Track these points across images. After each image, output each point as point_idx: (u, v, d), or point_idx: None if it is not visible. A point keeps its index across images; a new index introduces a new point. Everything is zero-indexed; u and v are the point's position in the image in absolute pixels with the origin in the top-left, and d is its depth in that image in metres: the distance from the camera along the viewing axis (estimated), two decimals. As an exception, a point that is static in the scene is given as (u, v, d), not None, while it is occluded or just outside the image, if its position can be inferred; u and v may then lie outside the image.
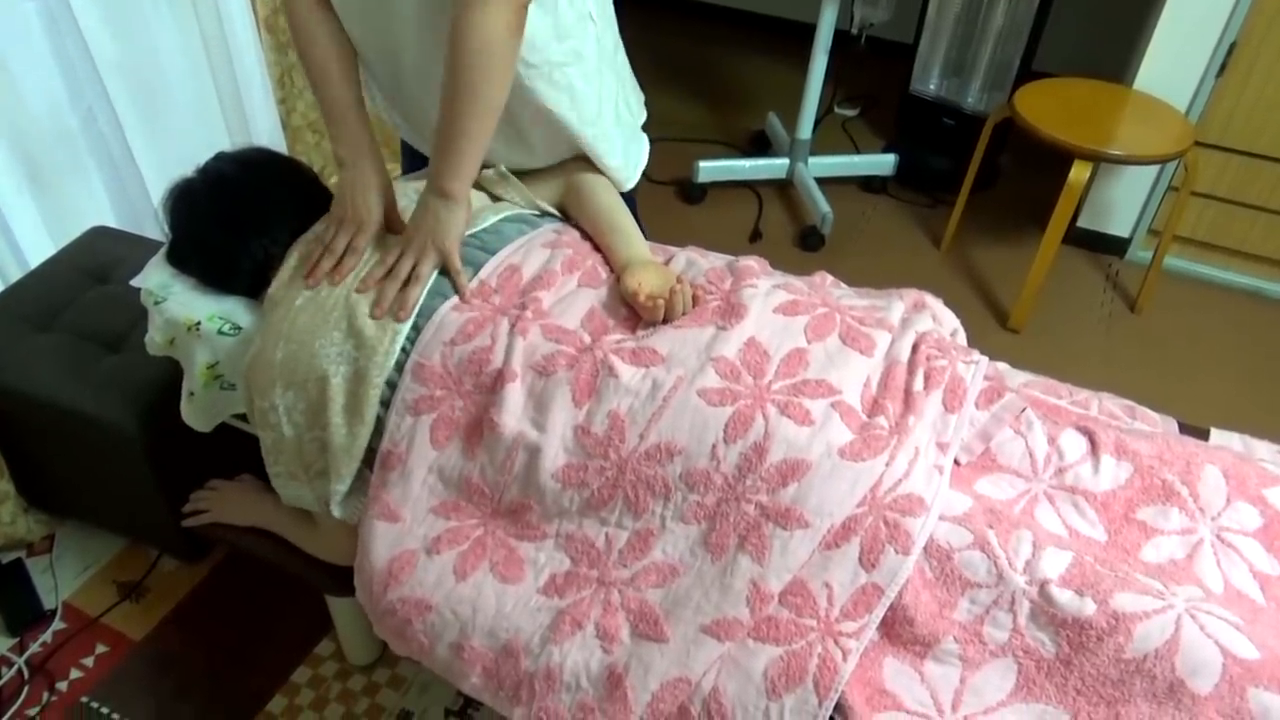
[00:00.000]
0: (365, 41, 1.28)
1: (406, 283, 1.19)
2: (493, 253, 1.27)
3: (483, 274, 1.24)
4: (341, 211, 1.25)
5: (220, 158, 1.32)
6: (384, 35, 1.26)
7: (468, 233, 1.28)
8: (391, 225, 1.28)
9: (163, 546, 1.77)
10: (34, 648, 1.62)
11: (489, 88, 1.13)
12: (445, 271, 1.23)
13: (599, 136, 1.35)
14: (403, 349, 1.18)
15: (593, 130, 1.33)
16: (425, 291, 1.20)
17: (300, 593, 1.67)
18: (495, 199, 1.40)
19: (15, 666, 1.59)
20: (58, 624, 1.67)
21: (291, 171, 1.36)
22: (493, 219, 1.32)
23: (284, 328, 1.19)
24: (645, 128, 1.53)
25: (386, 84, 1.37)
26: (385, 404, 1.18)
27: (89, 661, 1.61)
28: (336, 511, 1.21)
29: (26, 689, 1.56)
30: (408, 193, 1.35)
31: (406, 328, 1.18)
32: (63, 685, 1.58)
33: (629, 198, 1.43)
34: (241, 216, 1.27)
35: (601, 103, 1.34)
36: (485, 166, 1.40)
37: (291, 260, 1.25)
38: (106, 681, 1.58)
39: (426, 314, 1.19)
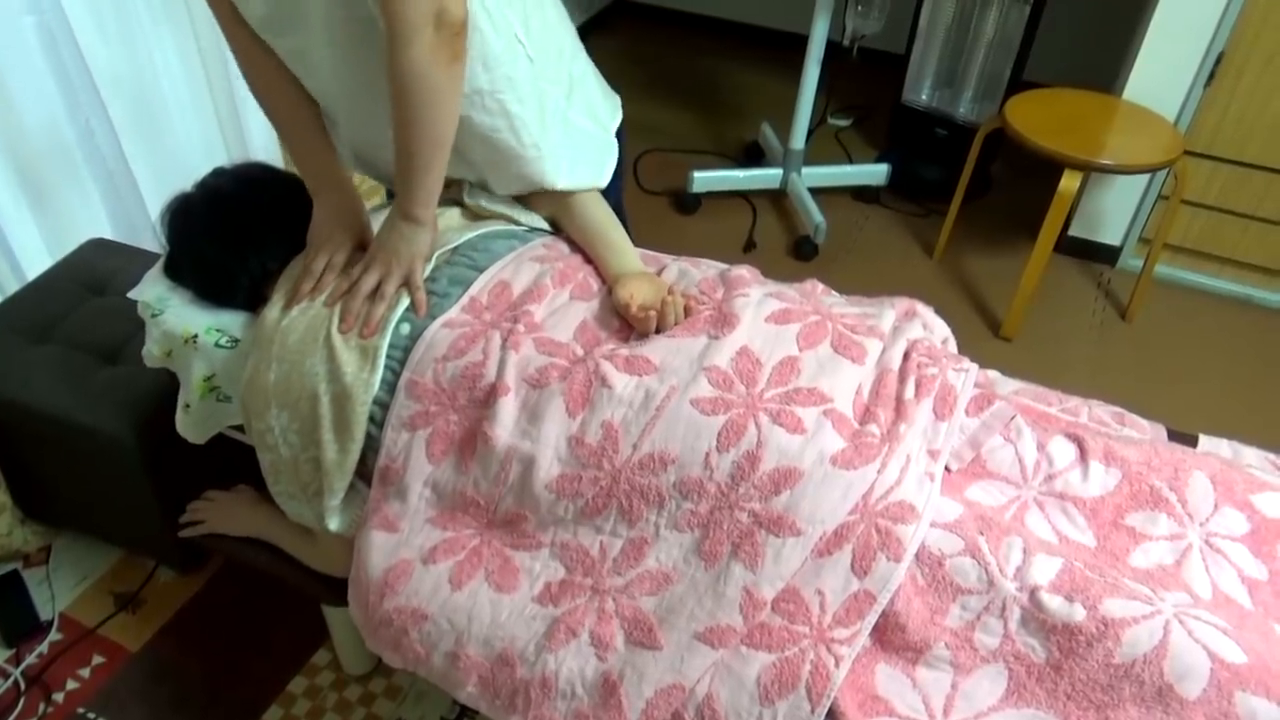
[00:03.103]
0: (309, 85, 1.29)
1: (373, 299, 1.21)
2: (482, 270, 1.27)
3: (473, 290, 1.25)
4: (316, 236, 1.27)
5: (219, 173, 1.33)
6: (314, 79, 1.27)
7: (451, 247, 1.30)
8: (366, 244, 1.29)
9: (159, 557, 1.77)
10: (30, 659, 1.62)
11: (431, 118, 1.14)
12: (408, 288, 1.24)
13: (542, 158, 1.33)
14: (390, 369, 1.19)
15: (535, 152, 1.32)
16: (394, 309, 1.21)
17: (296, 603, 1.67)
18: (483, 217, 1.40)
19: (11, 678, 1.59)
20: (54, 635, 1.67)
21: (289, 187, 1.36)
22: (472, 234, 1.33)
23: (274, 349, 1.20)
24: (632, 137, 1.51)
25: (331, 124, 1.36)
26: (379, 422, 1.18)
27: (85, 672, 1.61)
28: (332, 525, 1.22)
29: (23, 700, 1.56)
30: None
31: (385, 346, 1.19)
32: (59, 696, 1.58)
33: (620, 209, 1.44)
34: (239, 232, 1.28)
35: (545, 120, 1.32)
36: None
37: (286, 285, 1.25)
38: (103, 692, 1.58)
39: (416, 334, 1.20)
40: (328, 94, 1.28)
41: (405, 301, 1.22)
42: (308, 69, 1.25)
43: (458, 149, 1.24)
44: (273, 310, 1.23)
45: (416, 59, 1.07)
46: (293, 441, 1.19)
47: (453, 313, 1.22)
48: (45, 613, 1.70)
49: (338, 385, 1.17)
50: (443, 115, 1.14)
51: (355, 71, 1.20)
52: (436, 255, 1.28)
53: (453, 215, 1.38)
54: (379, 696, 1.59)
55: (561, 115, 1.35)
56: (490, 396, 1.15)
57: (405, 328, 1.21)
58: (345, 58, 1.20)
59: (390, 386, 1.18)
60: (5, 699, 1.57)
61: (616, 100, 1.51)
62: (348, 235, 1.28)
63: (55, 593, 1.73)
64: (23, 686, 1.59)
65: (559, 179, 1.36)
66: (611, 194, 1.45)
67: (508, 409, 1.14)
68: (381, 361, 1.18)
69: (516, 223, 1.39)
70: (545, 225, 1.42)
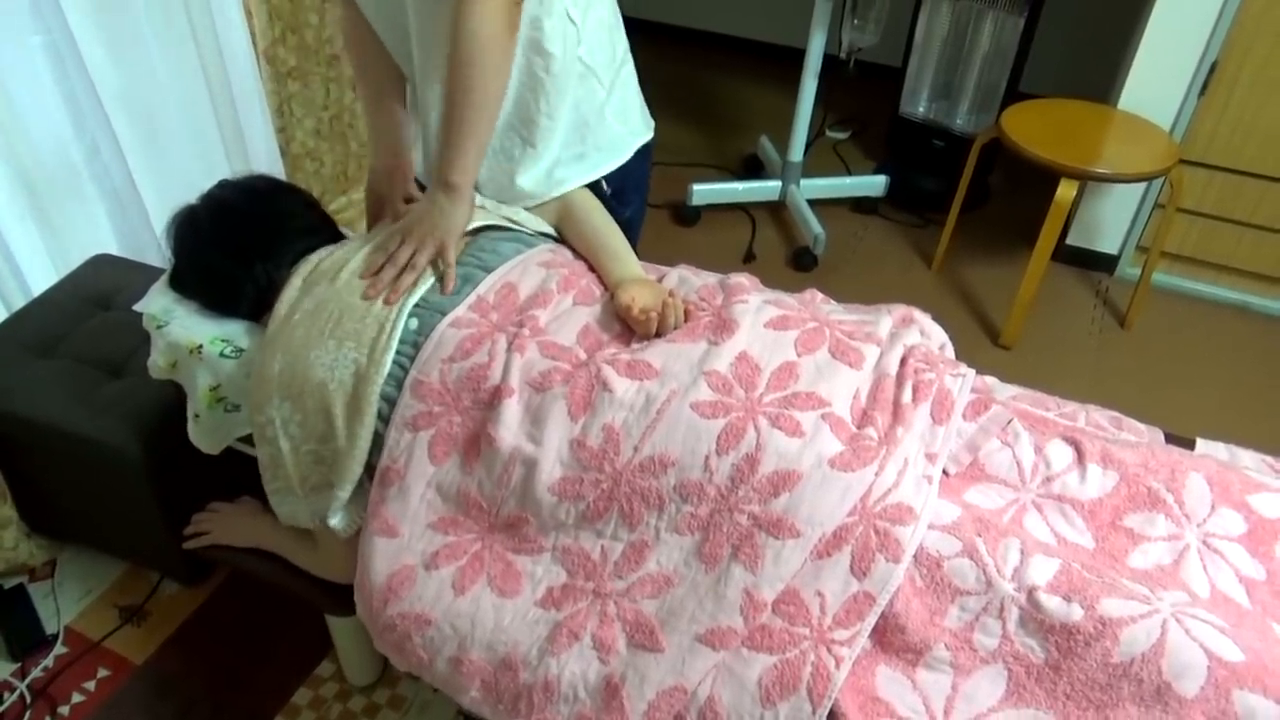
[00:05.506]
0: (399, 57, 1.37)
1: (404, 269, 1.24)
2: (490, 270, 1.29)
3: (480, 289, 1.26)
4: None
5: (223, 185, 1.35)
6: (404, 47, 1.33)
7: (473, 226, 1.32)
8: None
9: (164, 569, 1.78)
10: (36, 672, 1.63)
11: (484, 83, 1.19)
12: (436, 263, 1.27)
13: (555, 129, 1.35)
14: (399, 364, 1.20)
15: (549, 122, 1.35)
16: (419, 281, 1.24)
17: (300, 614, 1.67)
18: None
19: (17, 691, 1.60)
20: (59, 648, 1.67)
21: (293, 198, 1.39)
22: (482, 223, 1.35)
23: (280, 341, 1.22)
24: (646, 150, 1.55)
25: (413, 103, 1.42)
26: (385, 420, 1.20)
27: (91, 685, 1.62)
28: (333, 522, 1.23)
29: (29, 713, 1.57)
30: None
31: (401, 322, 1.20)
32: (65, 710, 1.58)
33: (620, 220, 1.45)
34: (244, 243, 1.30)
35: (571, 98, 1.34)
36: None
37: (295, 284, 1.27)
38: (108, 705, 1.59)
39: (425, 331, 1.22)
40: (412, 66, 1.34)
41: (425, 285, 1.24)
42: (399, 37, 1.32)
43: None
44: (281, 307, 1.25)
45: (481, 20, 1.14)
46: (293, 434, 1.20)
47: (460, 310, 1.24)
48: (51, 626, 1.71)
49: (353, 366, 1.18)
50: (492, 80, 1.21)
51: (432, 35, 1.25)
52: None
53: None
54: (383, 707, 1.59)
55: (598, 106, 1.40)
56: (494, 398, 1.16)
57: (414, 323, 1.22)
58: (423, 22, 1.26)
59: (398, 382, 1.20)
60: (11, 712, 1.57)
61: (651, 122, 1.55)
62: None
63: (60, 606, 1.74)
64: (29, 700, 1.59)
65: (560, 164, 1.39)
66: (629, 209, 1.49)
67: (511, 410, 1.15)
68: (395, 342, 1.20)
69: (524, 227, 1.40)
70: (550, 230, 1.44)
